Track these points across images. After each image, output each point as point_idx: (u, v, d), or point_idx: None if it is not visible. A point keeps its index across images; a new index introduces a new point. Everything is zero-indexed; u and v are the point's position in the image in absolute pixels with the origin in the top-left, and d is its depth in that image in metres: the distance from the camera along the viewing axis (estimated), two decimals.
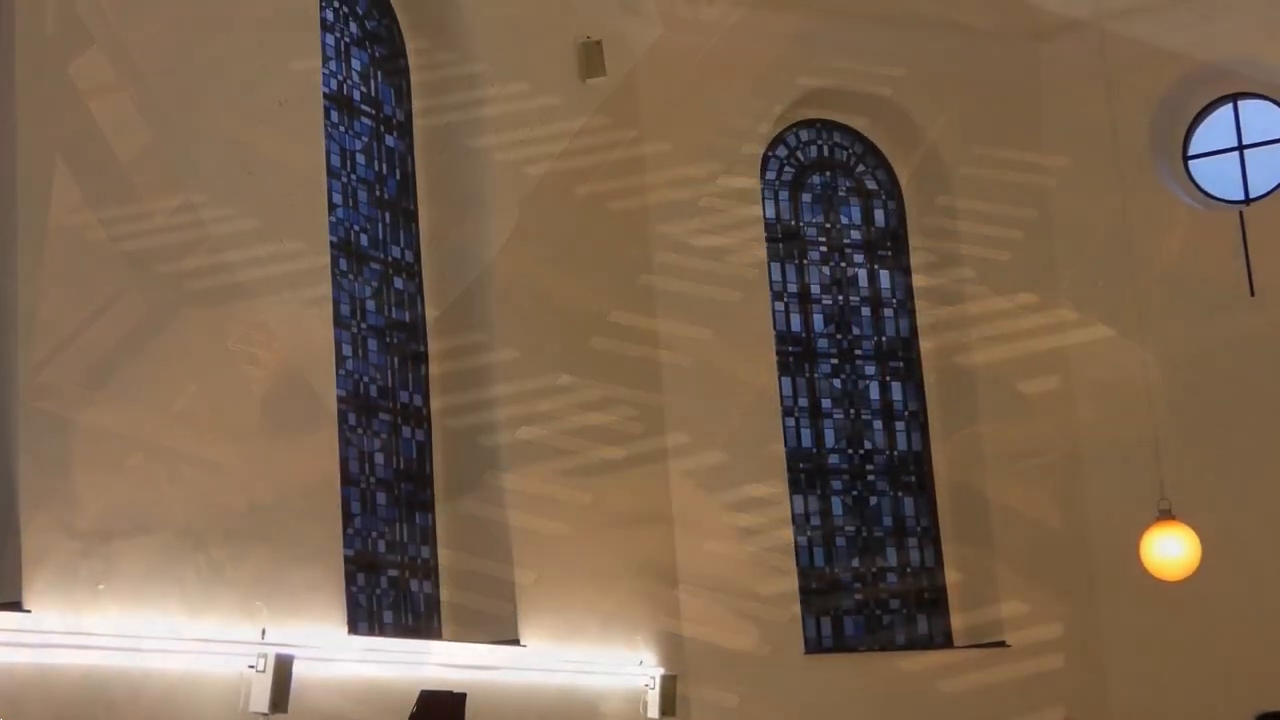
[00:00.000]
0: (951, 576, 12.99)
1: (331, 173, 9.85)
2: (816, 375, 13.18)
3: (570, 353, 11.16)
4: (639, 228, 12.20)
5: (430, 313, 10.58)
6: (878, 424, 13.24)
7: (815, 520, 12.93)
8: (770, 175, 13.31)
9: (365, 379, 10.03)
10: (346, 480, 9.52)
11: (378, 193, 10.42)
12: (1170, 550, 10.75)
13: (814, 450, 13.03)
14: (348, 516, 9.49)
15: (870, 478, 13.15)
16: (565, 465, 10.81)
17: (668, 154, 12.40)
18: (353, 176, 10.22)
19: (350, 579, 9.37)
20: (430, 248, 10.67)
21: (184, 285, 8.28)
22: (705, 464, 12.09)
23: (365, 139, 10.43)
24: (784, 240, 13.27)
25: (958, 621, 12.91)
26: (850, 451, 13.15)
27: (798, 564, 12.48)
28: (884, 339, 13.38)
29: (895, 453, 13.22)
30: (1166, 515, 10.73)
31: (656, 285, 12.22)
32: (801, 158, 13.50)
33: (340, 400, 9.48)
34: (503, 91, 11.00)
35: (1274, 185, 13.49)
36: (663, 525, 11.77)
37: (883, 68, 13.25)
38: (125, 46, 8.26)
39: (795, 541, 12.56)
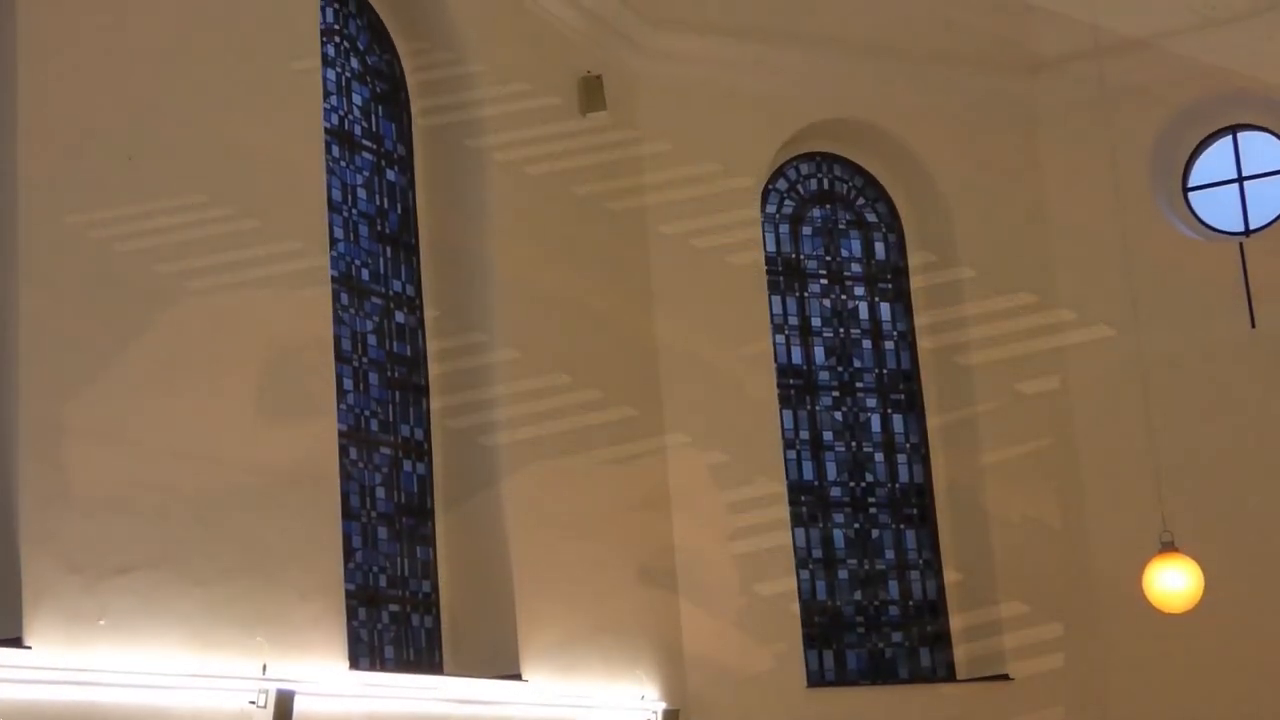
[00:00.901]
0: (954, 609, 12.97)
1: (333, 207, 9.88)
2: (818, 408, 13.18)
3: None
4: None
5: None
6: (879, 456, 13.25)
7: (817, 553, 12.92)
8: (771, 208, 13.34)
9: (366, 413, 10.04)
10: (348, 514, 9.51)
11: (379, 227, 10.44)
12: (1173, 583, 10.72)
13: (815, 483, 13.02)
14: (349, 551, 9.48)
15: (872, 510, 13.14)
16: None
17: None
18: (354, 211, 10.24)
19: (351, 614, 9.36)
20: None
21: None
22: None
23: (366, 174, 10.46)
24: (784, 273, 13.29)
25: (960, 655, 12.87)
26: (852, 484, 13.14)
27: (800, 597, 12.46)
28: (885, 371, 13.39)
29: (897, 485, 13.21)
30: (1169, 547, 10.71)
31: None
32: (802, 191, 13.53)
33: (341, 434, 9.49)
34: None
35: (1274, 217, 13.52)
36: (665, 559, 11.77)
37: (882, 101, 13.30)
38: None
39: (798, 575, 12.54)
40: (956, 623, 12.94)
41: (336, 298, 9.72)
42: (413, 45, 10.89)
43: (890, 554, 13.11)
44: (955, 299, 13.34)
